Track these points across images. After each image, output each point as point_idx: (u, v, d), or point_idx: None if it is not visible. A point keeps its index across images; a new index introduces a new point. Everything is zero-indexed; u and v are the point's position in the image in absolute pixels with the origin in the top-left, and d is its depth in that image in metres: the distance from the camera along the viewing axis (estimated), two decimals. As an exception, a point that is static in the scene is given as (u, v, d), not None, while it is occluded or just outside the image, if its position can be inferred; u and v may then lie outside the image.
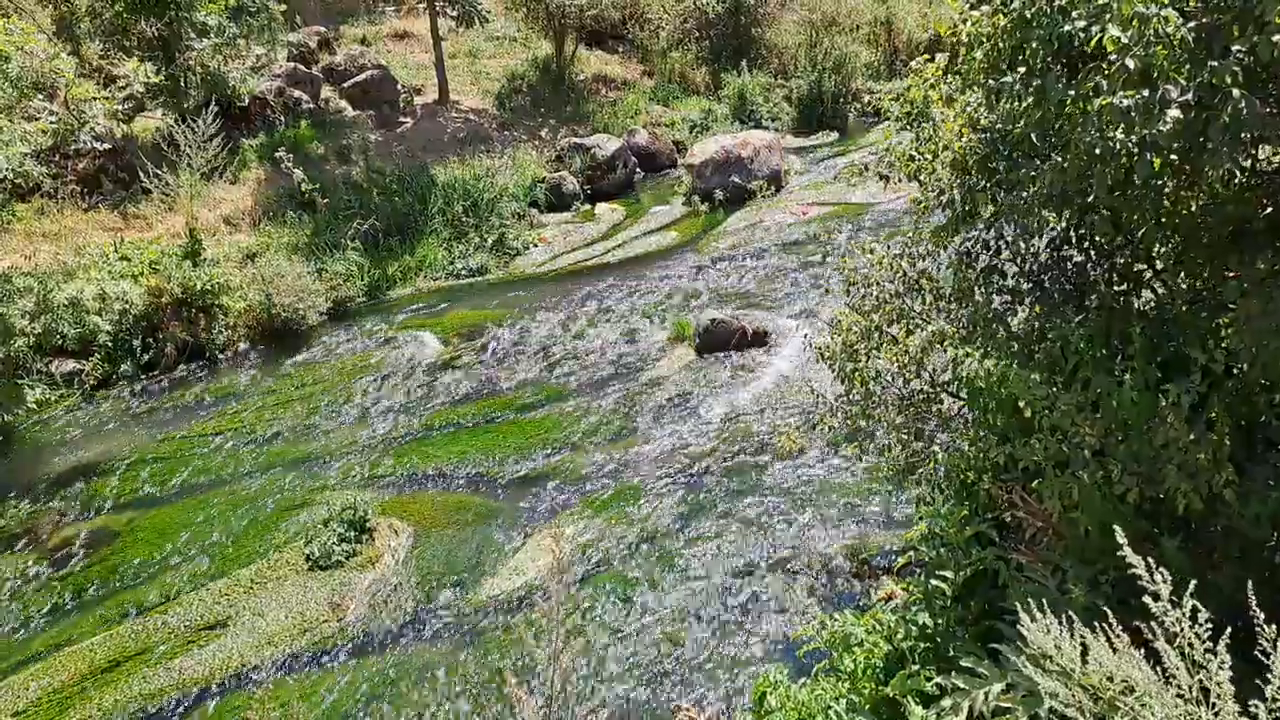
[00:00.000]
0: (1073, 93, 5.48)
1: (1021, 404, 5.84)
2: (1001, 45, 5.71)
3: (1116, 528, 4.47)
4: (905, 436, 7.86)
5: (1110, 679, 4.19)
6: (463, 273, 16.40)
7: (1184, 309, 6.22)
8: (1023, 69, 5.65)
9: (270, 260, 14.84)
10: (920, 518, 6.75)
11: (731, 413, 11.67)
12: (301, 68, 18.92)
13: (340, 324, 14.85)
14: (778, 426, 11.20)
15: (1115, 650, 4.17)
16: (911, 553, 7.21)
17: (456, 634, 8.62)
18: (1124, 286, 7.24)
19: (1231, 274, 5.97)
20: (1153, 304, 6.85)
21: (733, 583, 8.89)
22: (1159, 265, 6.54)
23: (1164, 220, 5.89)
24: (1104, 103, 4.88)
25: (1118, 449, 5.55)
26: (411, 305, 15.41)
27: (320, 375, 13.41)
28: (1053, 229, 7.28)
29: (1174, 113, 4.60)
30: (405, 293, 15.86)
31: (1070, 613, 4.77)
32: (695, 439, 11.23)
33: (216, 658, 8.53)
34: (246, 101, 17.53)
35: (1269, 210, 5.96)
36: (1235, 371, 5.51)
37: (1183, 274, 6.37)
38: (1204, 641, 3.83)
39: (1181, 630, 3.92)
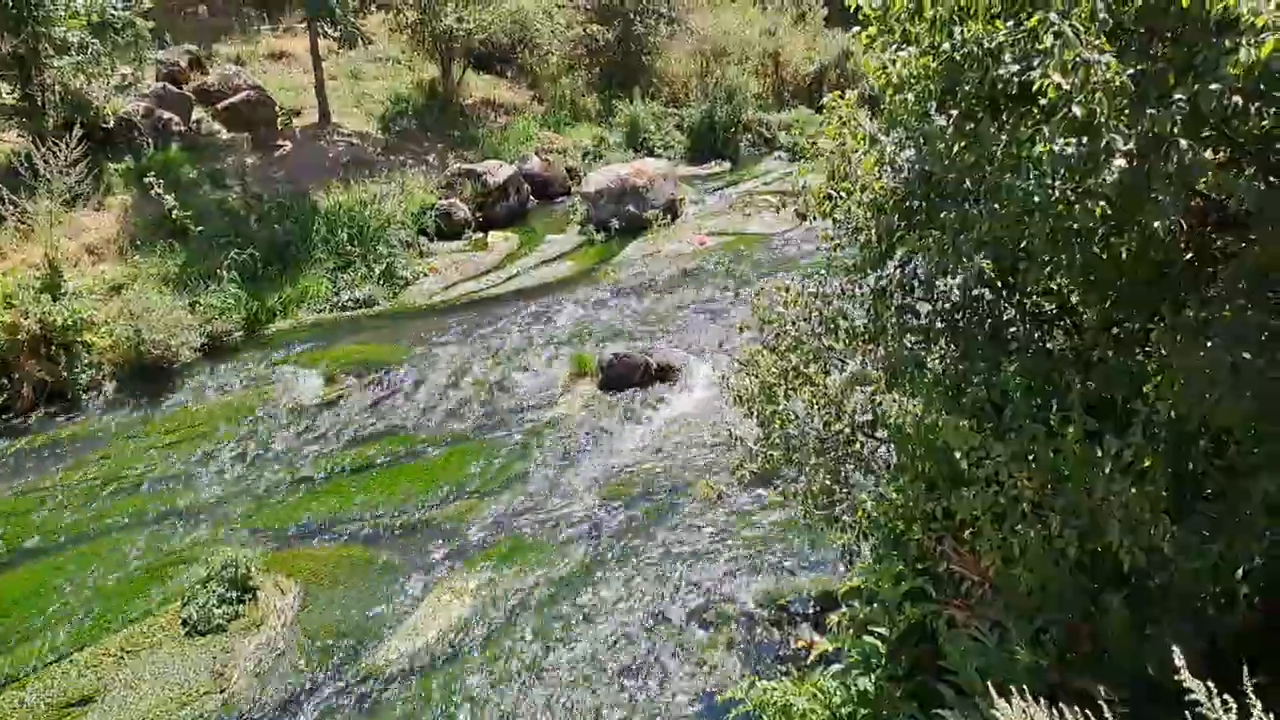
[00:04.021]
0: (1005, 138, 5.34)
1: (958, 454, 5.65)
2: (932, 88, 5.53)
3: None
4: (827, 482, 7.63)
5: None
6: (349, 304, 15.62)
7: (1111, 354, 6.15)
8: (954, 112, 5.48)
9: (139, 293, 13.80)
10: (853, 574, 6.49)
11: (639, 452, 11.31)
12: (172, 88, 17.83)
13: (216, 360, 13.89)
14: (688, 465, 10.89)
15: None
16: (845, 609, 6.94)
17: (351, 704, 7.96)
18: (1040, 328, 7.20)
19: (1160, 319, 5.93)
20: (1069, 347, 6.80)
21: (647, 635, 8.49)
22: (1083, 310, 6.48)
23: (1092, 266, 5.78)
24: (1045, 150, 4.71)
25: (1056, 501, 5.39)
26: (294, 339, 14.56)
27: (195, 417, 12.48)
28: (965, 269, 7.11)
29: (1119, 162, 4.46)
30: (287, 326, 14.98)
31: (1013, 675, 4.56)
32: (602, 481, 10.81)
33: (79, 744, 7.67)
34: (111, 123, 16.38)
35: (1189, 255, 5.94)
36: (1168, 419, 5.42)
37: (1109, 318, 6.32)
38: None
39: None
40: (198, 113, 18.13)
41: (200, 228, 15.22)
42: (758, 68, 24.92)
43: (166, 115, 17.15)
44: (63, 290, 13.31)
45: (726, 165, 22.68)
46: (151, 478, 11.21)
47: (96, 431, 12.22)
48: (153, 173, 15.59)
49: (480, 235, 18.54)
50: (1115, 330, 6.39)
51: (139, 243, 15.09)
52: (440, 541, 9.97)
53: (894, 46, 6.07)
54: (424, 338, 14.44)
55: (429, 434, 11.95)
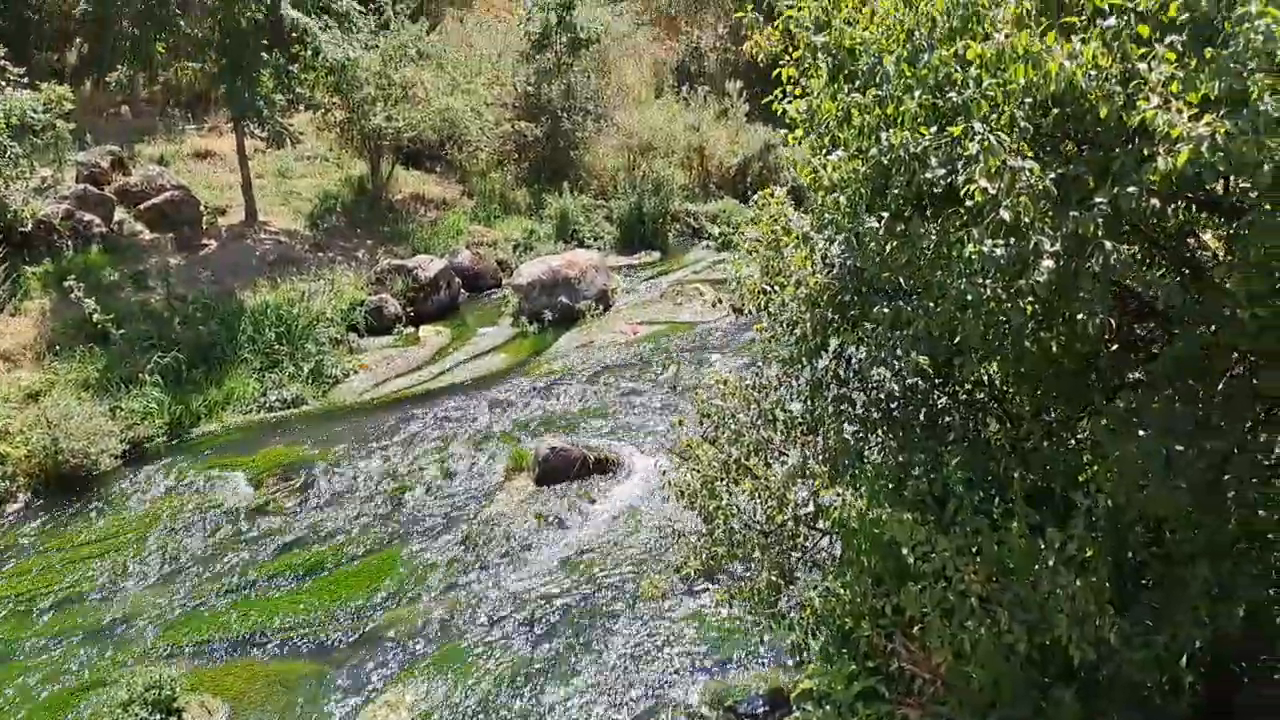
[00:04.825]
0: (935, 238, 5.48)
1: (903, 549, 5.66)
2: (862, 190, 5.68)
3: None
4: (773, 577, 7.57)
5: None
6: (276, 405, 15.25)
7: (1045, 443, 6.26)
8: (885, 213, 5.62)
9: (57, 400, 13.32)
10: (804, 676, 6.39)
11: (579, 550, 11.12)
12: (93, 189, 17.51)
13: (139, 467, 13.39)
14: (631, 561, 10.73)
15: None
16: (798, 712, 6.82)
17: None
18: (975, 416, 7.32)
19: (1090, 408, 6.06)
20: (1005, 435, 6.91)
21: (594, 744, 8.23)
22: (1016, 398, 6.61)
23: (1023, 358, 5.91)
24: (975, 251, 4.84)
25: (1003, 596, 5.40)
26: (219, 443, 14.13)
27: (116, 527, 11.97)
28: (902, 361, 7.21)
29: (1047, 263, 4.59)
30: (212, 429, 14.55)
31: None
32: (541, 582, 10.58)
33: None
34: (30, 226, 16.00)
35: (1115, 346, 6.12)
36: (1107, 509, 5.50)
37: (1040, 406, 6.45)
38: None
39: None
40: (120, 214, 17.81)
41: (122, 331, 14.81)
42: (684, 161, 25.44)
43: (87, 217, 16.81)
44: (-26, 400, 12.81)
45: (656, 255, 22.95)
46: (68, 593, 10.68)
47: (9, 546, 11.63)
48: (72, 276, 15.21)
49: (411, 330, 18.37)
50: (1048, 419, 6.53)
51: (58, 348, 14.63)
52: (375, 652, 9.62)
53: (824, 151, 6.24)
54: (354, 437, 14.14)
55: (361, 537, 11.62)
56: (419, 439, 14.03)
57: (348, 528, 11.84)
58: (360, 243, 20.73)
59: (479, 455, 13.50)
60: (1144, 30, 4.35)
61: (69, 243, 16.37)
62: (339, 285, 18.16)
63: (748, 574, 8.07)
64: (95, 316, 14.65)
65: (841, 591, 6.50)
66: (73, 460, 12.75)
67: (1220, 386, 5.08)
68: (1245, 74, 3.91)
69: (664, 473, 8.51)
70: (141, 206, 18.12)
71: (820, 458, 7.75)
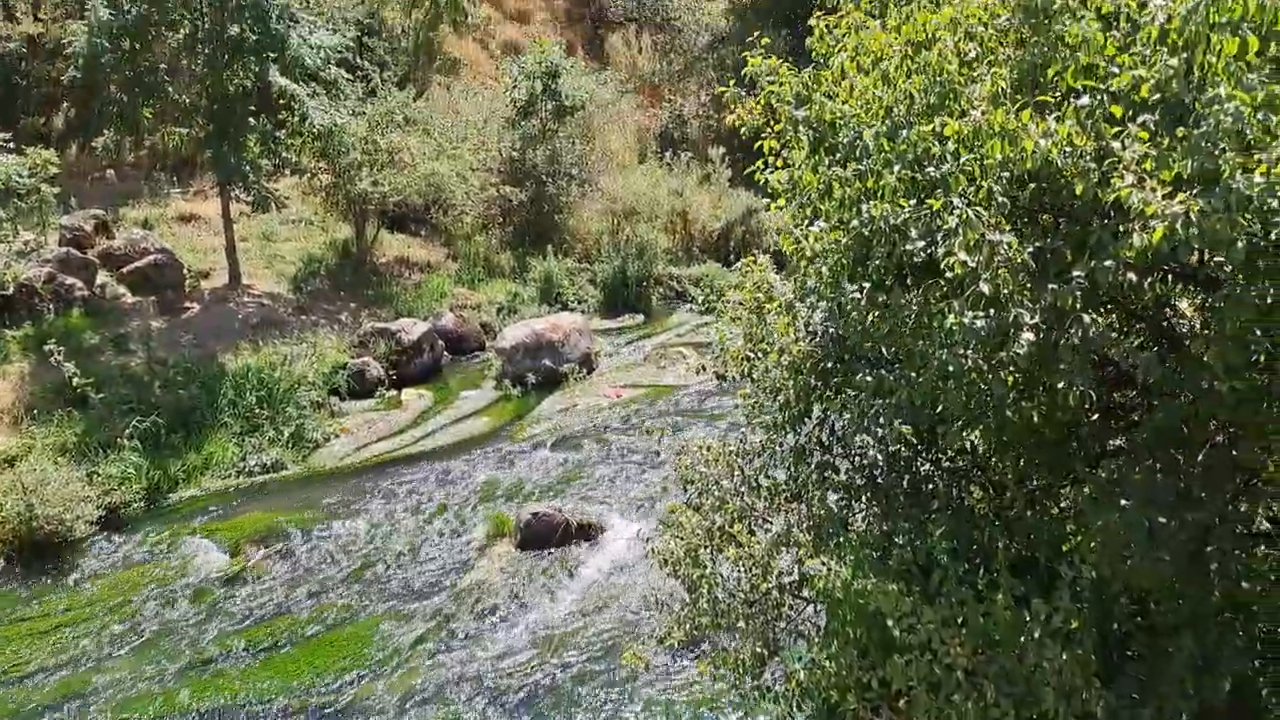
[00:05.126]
0: (916, 308, 5.53)
1: (888, 620, 5.61)
2: (844, 261, 5.74)
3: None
4: (757, 648, 7.47)
5: None
6: (255, 470, 15.10)
7: (1028, 513, 6.26)
8: (866, 284, 5.68)
9: (34, 465, 13.15)
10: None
11: (560, 619, 10.97)
12: (76, 252, 17.48)
13: (115, 533, 13.18)
14: (613, 630, 10.58)
15: None
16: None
17: None
18: (958, 483, 7.32)
19: (1072, 476, 6.08)
20: (988, 502, 6.91)
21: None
22: (998, 469, 6.61)
23: (1005, 427, 5.93)
24: (956, 322, 4.88)
25: (989, 669, 5.35)
26: (197, 509, 13.94)
27: (90, 595, 11.75)
28: (884, 429, 7.21)
29: (1027, 335, 4.63)
30: (190, 495, 14.36)
31: None
32: (522, 653, 10.42)
33: None
34: (11, 289, 15.95)
35: (1096, 416, 6.16)
36: (1091, 580, 5.48)
37: (1023, 475, 6.46)
38: None
39: None
40: (103, 277, 17.78)
41: (101, 395, 14.68)
42: (667, 225, 25.70)
43: (69, 280, 16.77)
44: (-52, 465, 12.63)
45: (640, 318, 23.06)
46: (40, 664, 10.44)
47: (-23, 616, 11.39)
48: (53, 340, 15.10)
49: (394, 393, 18.29)
50: (1030, 487, 6.53)
51: (36, 412, 14.49)
52: (352, 726, 9.41)
53: (805, 221, 6.31)
54: (334, 503, 13.99)
55: (340, 606, 11.43)
56: (399, 505, 13.89)
57: (324, 597, 11.66)
58: (344, 306, 20.74)
59: (460, 521, 13.37)
60: (1117, 110, 4.45)
61: (50, 306, 16.31)
62: (321, 348, 18.11)
63: (732, 644, 7.96)
64: (75, 380, 14.53)
65: (827, 664, 6.41)
66: (47, 527, 12.55)
67: (1200, 457, 5.10)
68: (1217, 153, 3.99)
69: (647, 540, 8.44)
70: (124, 270, 18.10)
71: (804, 525, 7.71)
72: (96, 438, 14.26)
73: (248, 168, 18.34)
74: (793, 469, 7.98)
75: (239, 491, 14.51)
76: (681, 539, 8.03)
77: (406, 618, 11.12)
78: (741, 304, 8.10)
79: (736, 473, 8.48)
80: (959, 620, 5.51)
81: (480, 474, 14.87)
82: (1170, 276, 5.34)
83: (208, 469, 14.86)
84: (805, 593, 7.84)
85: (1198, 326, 5.56)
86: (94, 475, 13.68)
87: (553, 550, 12.36)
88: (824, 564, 6.48)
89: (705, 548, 8.03)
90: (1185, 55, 4.21)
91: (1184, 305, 5.91)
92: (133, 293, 17.95)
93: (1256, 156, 4.00)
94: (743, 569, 8.04)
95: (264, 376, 16.48)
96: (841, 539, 6.73)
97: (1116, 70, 4.59)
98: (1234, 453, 5.03)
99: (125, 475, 13.90)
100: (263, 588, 11.85)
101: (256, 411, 15.93)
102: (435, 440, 16.44)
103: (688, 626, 7.90)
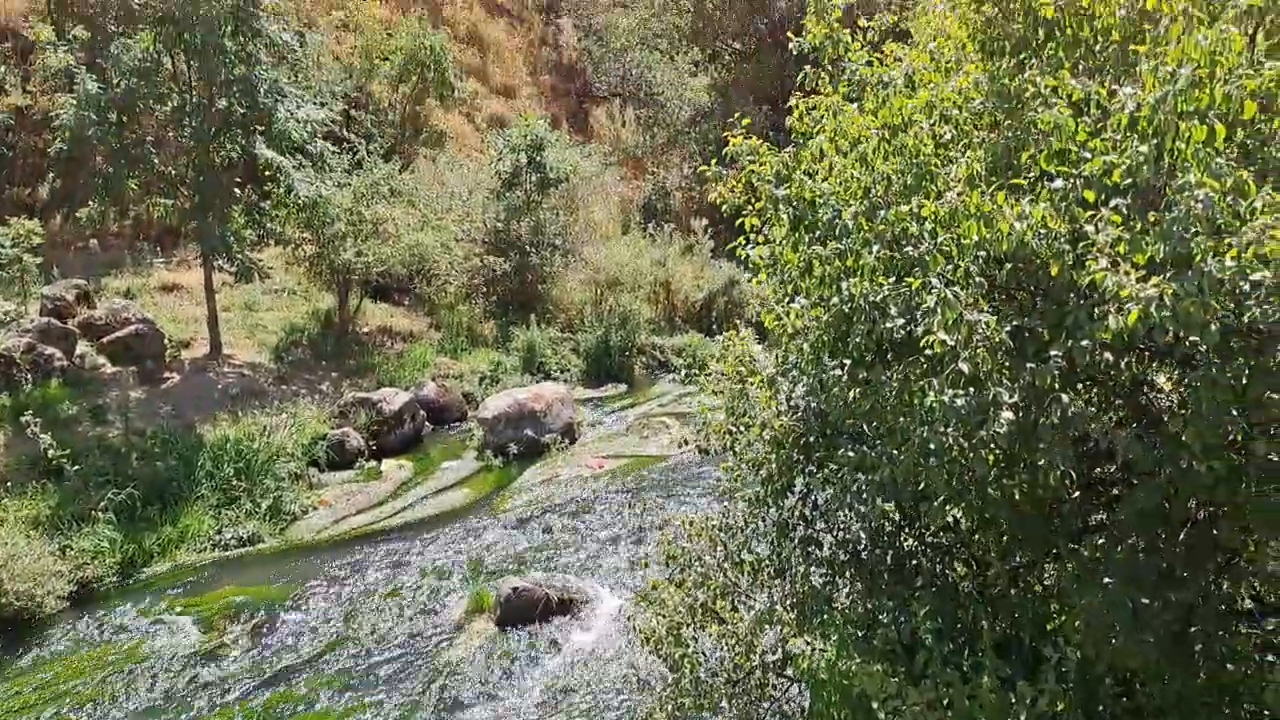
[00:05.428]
0: (896, 385, 5.56)
1: (875, 704, 5.53)
2: (825, 337, 5.78)
3: None
4: (742, 731, 7.35)
5: None
6: (231, 543, 14.86)
7: (1012, 591, 6.22)
8: (847, 360, 5.71)
9: (5, 538, 12.89)
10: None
11: (540, 699, 10.74)
12: (56, 323, 17.38)
13: (86, 609, 12.88)
14: (595, 711, 10.36)
15: None
16: None
17: None
18: (942, 559, 7.28)
19: (1055, 553, 6.06)
20: (971, 579, 6.87)
21: None
22: (981, 545, 6.59)
23: (987, 505, 5.93)
24: (937, 401, 4.90)
25: (977, 752, 5.27)
26: (171, 583, 13.67)
27: (58, 674, 11.41)
28: (867, 506, 7.19)
29: (1007, 415, 4.65)
30: (165, 569, 14.09)
31: None
32: (502, 731, 10.19)
33: None
34: (-13, 360, 15.87)
35: (1077, 493, 6.16)
36: (1076, 660, 5.43)
37: (1006, 552, 6.43)
38: None
39: None
40: (83, 347, 17.67)
41: (77, 467, 14.50)
42: (650, 295, 25.90)
43: (49, 351, 16.65)
44: (-84, 539, 12.38)
45: (622, 387, 23.07)
46: (-2, 750, 10.12)
47: (-62, 697, 11.06)
48: (30, 411, 14.95)
49: (374, 464, 18.14)
50: (1014, 564, 6.51)
51: (10, 484, 14.26)
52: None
53: (786, 298, 6.37)
54: (310, 578, 13.75)
55: (315, 686, 11.17)
56: (377, 579, 13.68)
57: (298, 676, 11.39)
58: (325, 375, 20.67)
59: (438, 596, 13.16)
60: (1090, 195, 4.53)
61: (29, 376, 16.16)
62: (301, 419, 17.98)
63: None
64: (51, 452, 14.36)
65: (812, 747, 6.31)
66: (17, 603, 12.26)
67: (1182, 536, 5.10)
68: (1189, 237, 4.06)
69: (629, 618, 8.33)
70: (105, 340, 18.00)
71: (788, 602, 7.64)
72: (71, 510, 14.03)
73: (232, 239, 18.40)
74: (776, 543, 7.95)
75: (214, 565, 14.25)
76: (664, 616, 7.95)
77: (384, 697, 10.88)
78: (724, 375, 8.13)
79: (719, 547, 8.43)
80: (945, 703, 5.45)
81: (460, 547, 14.69)
82: (1147, 354, 5.40)
83: (183, 542, 14.61)
84: (789, 672, 7.74)
85: (1175, 403, 5.60)
86: (66, 549, 13.43)
87: (533, 626, 12.15)
88: (808, 643, 6.41)
89: (688, 625, 7.94)
90: (1155, 142, 4.31)
91: (1161, 379, 5.97)
92: (113, 363, 17.84)
93: (1227, 240, 4.08)
94: (726, 647, 7.95)
95: (242, 447, 16.32)
96: (825, 617, 6.67)
97: (1088, 155, 4.69)
98: (1215, 532, 5.04)
99: (98, 549, 13.65)
100: (234, 667, 11.57)
101: (234, 483, 15.74)
102: (415, 512, 16.27)
103: (670, 708, 7.77)
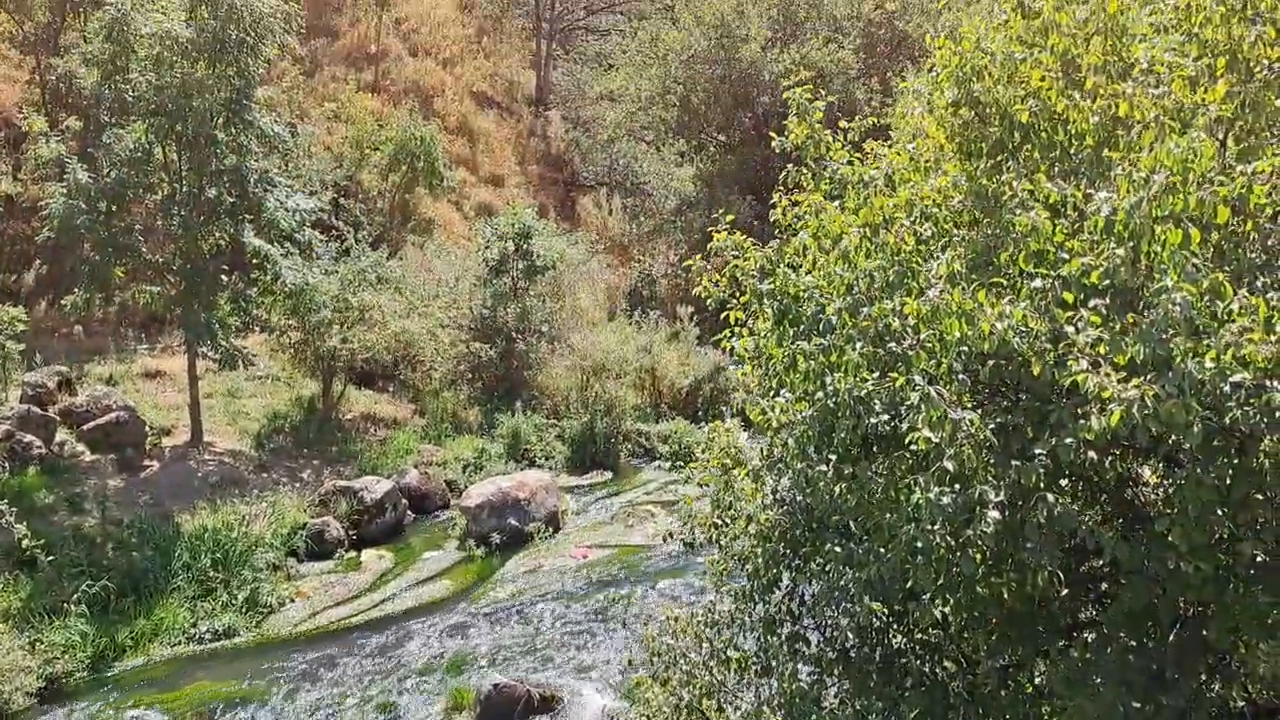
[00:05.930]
0: (882, 481, 5.54)
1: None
2: (810, 432, 5.77)
3: None
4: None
5: None
6: (206, 636, 14.51)
7: (1002, 691, 6.11)
8: (832, 455, 5.70)
9: (-29, 634, 12.60)
10: None
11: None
12: (36, 410, 17.25)
13: (55, 705, 12.50)
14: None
15: None
16: None
17: None
18: (931, 656, 7.17)
19: (1045, 651, 5.97)
20: (960, 677, 6.75)
21: None
22: (970, 642, 6.50)
23: (975, 603, 5.86)
24: (923, 499, 4.88)
25: None
26: (143, 679, 13.30)
27: (16, 778, 11.04)
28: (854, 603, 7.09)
29: (993, 514, 4.63)
30: (137, 663, 13.72)
31: None
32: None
33: None
34: (-37, 448, 15.68)
35: (1064, 590, 6.10)
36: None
37: (995, 649, 6.34)
38: None
39: None
40: (62, 434, 17.50)
41: (51, 557, 14.21)
42: (635, 382, 25.89)
43: (27, 438, 16.48)
44: (-118, 634, 12.04)
45: (608, 475, 22.90)
46: None
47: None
48: (5, 499, 14.72)
49: (353, 554, 17.84)
50: (1003, 662, 6.41)
51: (-21, 578, 13.97)
52: None
53: (771, 392, 6.39)
54: (285, 673, 13.40)
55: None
56: (353, 675, 13.34)
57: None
58: (307, 463, 20.47)
59: (416, 694, 12.83)
60: (1068, 296, 4.59)
61: (6, 464, 15.96)
62: (281, 508, 17.74)
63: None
64: (25, 542, 14.08)
65: None
66: (-20, 701, 11.93)
67: (1171, 636, 5.04)
68: (1167, 338, 4.10)
69: (612, 718, 8.13)
70: (85, 427, 17.84)
71: (775, 702, 7.48)
72: (43, 602, 13.72)
73: (217, 326, 18.39)
74: (762, 639, 7.82)
75: (188, 660, 13.89)
76: (648, 717, 7.76)
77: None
78: (709, 465, 8.10)
79: (705, 644, 8.28)
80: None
81: (440, 641, 14.38)
82: (1131, 451, 5.41)
83: (157, 635, 14.26)
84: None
85: (1161, 499, 5.60)
86: (36, 643, 13.10)
87: (515, 724, 11.84)
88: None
89: (674, 727, 7.76)
90: (1131, 245, 4.39)
91: (1147, 473, 5.98)
92: (92, 450, 17.65)
93: (1205, 342, 4.12)
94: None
95: (220, 537, 16.04)
96: (814, 718, 6.53)
97: (1066, 256, 4.77)
98: (1204, 632, 4.98)
99: (70, 643, 13.31)
100: (206, 767, 11.20)
101: (211, 574, 15.44)
102: (395, 604, 15.95)
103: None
